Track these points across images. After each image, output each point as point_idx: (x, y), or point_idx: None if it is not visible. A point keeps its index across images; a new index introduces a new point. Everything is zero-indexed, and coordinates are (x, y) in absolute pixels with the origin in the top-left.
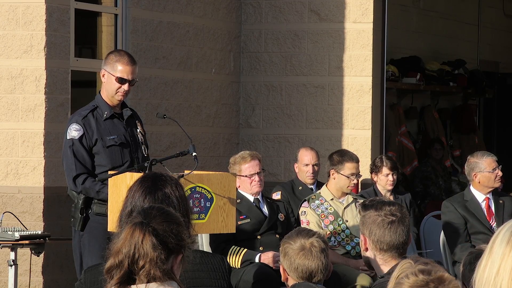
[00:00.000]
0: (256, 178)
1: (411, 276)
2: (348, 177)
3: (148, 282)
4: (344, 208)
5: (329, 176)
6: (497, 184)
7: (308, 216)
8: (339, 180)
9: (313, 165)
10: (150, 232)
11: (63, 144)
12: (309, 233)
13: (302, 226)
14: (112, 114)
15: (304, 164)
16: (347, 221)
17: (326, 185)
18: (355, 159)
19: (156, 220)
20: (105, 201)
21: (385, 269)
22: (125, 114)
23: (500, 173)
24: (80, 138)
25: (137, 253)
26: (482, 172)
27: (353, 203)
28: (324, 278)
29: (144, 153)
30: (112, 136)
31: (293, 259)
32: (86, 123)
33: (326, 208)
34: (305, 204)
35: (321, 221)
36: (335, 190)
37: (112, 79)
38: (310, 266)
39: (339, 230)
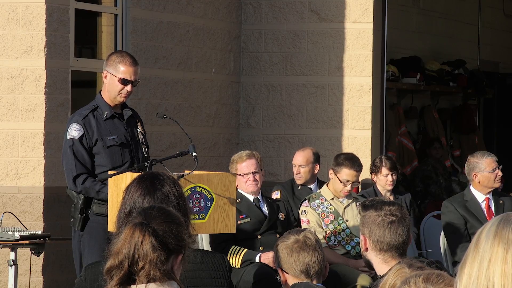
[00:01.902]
0: (251, 177)
1: (413, 286)
2: (342, 182)
3: (148, 282)
4: (345, 208)
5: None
6: (497, 185)
7: (308, 215)
8: (335, 181)
9: (298, 166)
10: (150, 233)
11: (63, 144)
12: (299, 230)
13: (302, 225)
14: (113, 114)
15: (293, 164)
16: (347, 220)
17: (327, 185)
18: (355, 168)
19: (156, 221)
20: (105, 201)
21: (385, 269)
22: (125, 114)
23: (500, 174)
24: (80, 138)
25: (137, 254)
26: (482, 172)
27: (354, 203)
28: (322, 273)
29: (144, 153)
30: (112, 136)
31: (289, 254)
32: (87, 123)
33: (327, 208)
34: (305, 203)
35: (321, 221)
36: (335, 190)
37: (114, 80)
38: (306, 257)
39: (339, 230)
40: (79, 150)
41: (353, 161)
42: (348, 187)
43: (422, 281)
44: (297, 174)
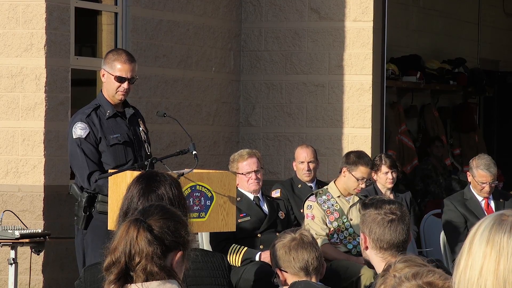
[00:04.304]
0: (253, 176)
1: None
2: (357, 180)
3: (146, 278)
4: (350, 207)
5: (340, 172)
6: (483, 194)
7: (314, 211)
8: (348, 179)
9: (308, 162)
10: (144, 228)
11: (69, 144)
12: (294, 229)
13: (306, 219)
14: (115, 113)
15: (300, 161)
16: (351, 219)
17: (334, 182)
18: (369, 165)
19: (153, 217)
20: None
21: None
22: (127, 113)
23: (486, 189)
24: (87, 136)
25: (133, 250)
26: (473, 178)
27: (359, 202)
28: (320, 271)
29: (147, 151)
30: (115, 134)
31: (287, 252)
32: (90, 122)
33: (332, 205)
34: (312, 198)
35: (326, 217)
36: (343, 188)
37: (111, 78)
38: (304, 254)
39: (342, 228)
40: (88, 148)
41: (366, 159)
42: (363, 185)
43: (412, 276)
44: (307, 170)
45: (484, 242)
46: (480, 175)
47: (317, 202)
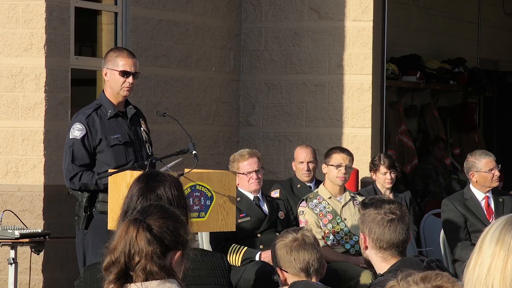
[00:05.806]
0: (254, 176)
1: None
2: (335, 167)
3: (146, 278)
4: (342, 207)
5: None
6: (495, 184)
7: (307, 216)
8: (329, 172)
9: (307, 163)
10: (144, 227)
11: (65, 143)
12: (297, 228)
13: (301, 226)
14: (116, 113)
15: (299, 161)
16: (345, 219)
17: (323, 184)
18: (344, 151)
19: (152, 217)
20: (106, 191)
21: (385, 267)
22: (128, 113)
23: (497, 173)
24: (82, 138)
25: (133, 249)
26: (479, 172)
27: (351, 201)
28: (320, 272)
29: (148, 151)
30: (116, 135)
31: (288, 252)
32: (90, 122)
33: (324, 207)
34: (303, 203)
35: (319, 221)
36: (331, 188)
37: (115, 74)
38: (306, 255)
39: (337, 229)
40: (79, 151)
41: (339, 147)
42: (343, 170)
43: (420, 280)
44: (306, 170)
45: (494, 242)
46: (485, 163)
47: (308, 207)
